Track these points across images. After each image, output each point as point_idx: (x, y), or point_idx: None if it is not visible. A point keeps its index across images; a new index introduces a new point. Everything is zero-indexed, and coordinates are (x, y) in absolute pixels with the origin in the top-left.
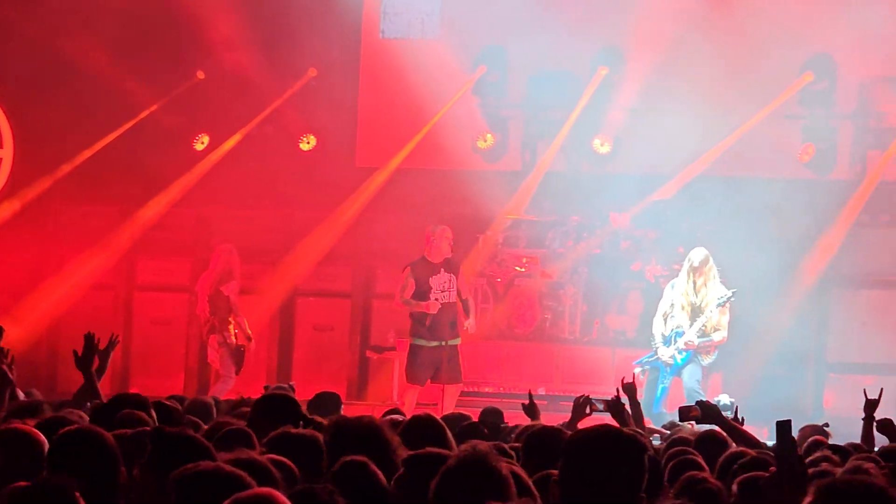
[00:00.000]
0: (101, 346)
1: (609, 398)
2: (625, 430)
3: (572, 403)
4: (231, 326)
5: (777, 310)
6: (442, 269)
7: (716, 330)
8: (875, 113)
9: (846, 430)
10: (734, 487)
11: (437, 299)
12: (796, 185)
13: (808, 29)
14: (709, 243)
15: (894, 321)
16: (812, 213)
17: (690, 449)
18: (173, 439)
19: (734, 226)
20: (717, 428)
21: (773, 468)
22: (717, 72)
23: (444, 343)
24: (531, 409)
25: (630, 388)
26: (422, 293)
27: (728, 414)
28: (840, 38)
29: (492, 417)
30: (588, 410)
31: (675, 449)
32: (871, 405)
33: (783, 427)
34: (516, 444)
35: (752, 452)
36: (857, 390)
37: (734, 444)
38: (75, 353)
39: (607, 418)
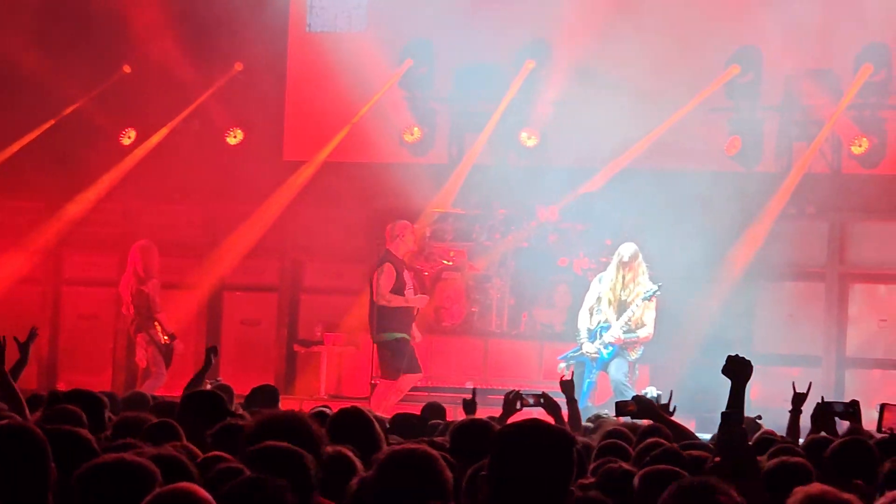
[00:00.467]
0: (22, 340)
1: (540, 392)
2: (553, 425)
3: (503, 398)
4: (157, 324)
5: (704, 301)
6: (404, 265)
7: (641, 326)
8: (800, 106)
9: (771, 421)
10: (635, 481)
11: (426, 294)
12: (723, 177)
13: (735, 21)
14: (637, 235)
15: (819, 313)
16: (739, 205)
17: (621, 442)
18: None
19: (662, 218)
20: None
21: (717, 458)
22: (644, 64)
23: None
24: (470, 406)
25: (568, 386)
26: (399, 289)
27: None
28: (766, 30)
29: (433, 414)
30: (519, 405)
31: (608, 441)
32: (799, 399)
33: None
34: (443, 438)
35: (666, 444)
36: (782, 382)
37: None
38: None
39: (537, 413)
